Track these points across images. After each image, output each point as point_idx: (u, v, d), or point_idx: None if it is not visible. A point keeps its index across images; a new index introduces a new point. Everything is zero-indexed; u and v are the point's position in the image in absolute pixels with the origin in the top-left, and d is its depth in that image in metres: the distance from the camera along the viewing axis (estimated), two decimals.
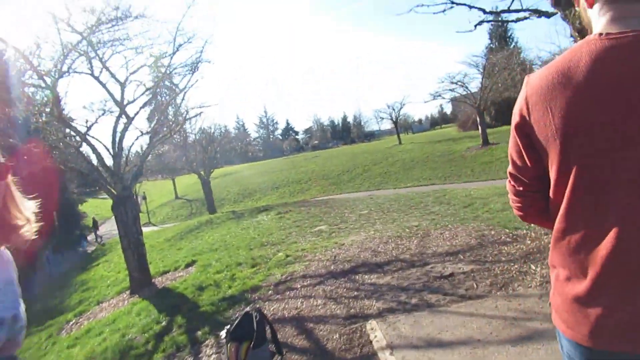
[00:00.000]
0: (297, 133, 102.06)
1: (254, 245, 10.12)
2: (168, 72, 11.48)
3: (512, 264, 5.03)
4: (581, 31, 4.49)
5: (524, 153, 1.15)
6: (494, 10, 6.31)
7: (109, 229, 31.83)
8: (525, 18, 6.17)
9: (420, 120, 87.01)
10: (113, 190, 9.87)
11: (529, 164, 1.16)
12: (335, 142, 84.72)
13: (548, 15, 5.82)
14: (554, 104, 1.01)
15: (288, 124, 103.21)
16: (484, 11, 6.46)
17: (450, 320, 3.90)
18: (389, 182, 26.01)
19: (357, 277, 5.89)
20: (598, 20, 1.05)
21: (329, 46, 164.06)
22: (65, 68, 9.90)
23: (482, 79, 29.55)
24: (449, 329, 3.71)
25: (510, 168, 1.26)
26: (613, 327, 0.97)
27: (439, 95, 32.28)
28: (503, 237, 6.21)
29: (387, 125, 66.72)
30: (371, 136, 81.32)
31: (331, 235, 9.46)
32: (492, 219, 7.58)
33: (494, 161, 23.70)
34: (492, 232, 6.61)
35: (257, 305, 5.39)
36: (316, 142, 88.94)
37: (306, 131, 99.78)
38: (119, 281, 11.79)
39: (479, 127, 28.57)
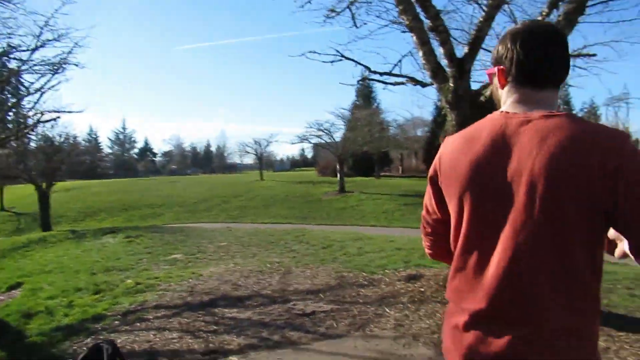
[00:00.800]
0: (155, 155, 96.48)
1: (98, 270, 9.15)
2: (24, 67, 10.15)
3: (369, 306, 5.32)
4: (450, 102, 5.15)
5: (432, 201, 1.38)
6: (378, 71, 6.92)
7: None
8: (402, 83, 6.87)
9: (282, 160, 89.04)
10: None
11: (436, 210, 1.38)
12: (195, 170, 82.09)
13: (423, 85, 6.56)
14: (457, 164, 1.23)
15: (147, 143, 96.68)
16: (369, 70, 7.05)
17: (313, 358, 3.96)
18: (247, 216, 25.85)
19: (216, 310, 5.67)
20: (506, 99, 1.27)
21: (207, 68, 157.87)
22: None
23: (346, 130, 31.78)
24: None
25: (423, 212, 1.48)
26: (483, 355, 1.13)
27: (306, 139, 33.69)
28: (360, 280, 6.56)
29: (249, 159, 66.91)
30: (232, 168, 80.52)
31: (188, 265, 9.01)
32: (350, 262, 7.98)
33: (348, 208, 25.19)
34: (351, 275, 6.95)
35: (109, 337, 4.83)
36: (174, 167, 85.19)
37: (165, 154, 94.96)
38: None
39: (338, 175, 30.31)
